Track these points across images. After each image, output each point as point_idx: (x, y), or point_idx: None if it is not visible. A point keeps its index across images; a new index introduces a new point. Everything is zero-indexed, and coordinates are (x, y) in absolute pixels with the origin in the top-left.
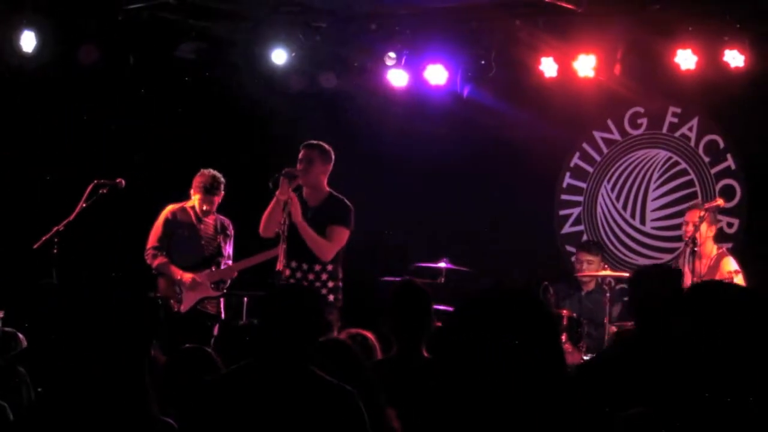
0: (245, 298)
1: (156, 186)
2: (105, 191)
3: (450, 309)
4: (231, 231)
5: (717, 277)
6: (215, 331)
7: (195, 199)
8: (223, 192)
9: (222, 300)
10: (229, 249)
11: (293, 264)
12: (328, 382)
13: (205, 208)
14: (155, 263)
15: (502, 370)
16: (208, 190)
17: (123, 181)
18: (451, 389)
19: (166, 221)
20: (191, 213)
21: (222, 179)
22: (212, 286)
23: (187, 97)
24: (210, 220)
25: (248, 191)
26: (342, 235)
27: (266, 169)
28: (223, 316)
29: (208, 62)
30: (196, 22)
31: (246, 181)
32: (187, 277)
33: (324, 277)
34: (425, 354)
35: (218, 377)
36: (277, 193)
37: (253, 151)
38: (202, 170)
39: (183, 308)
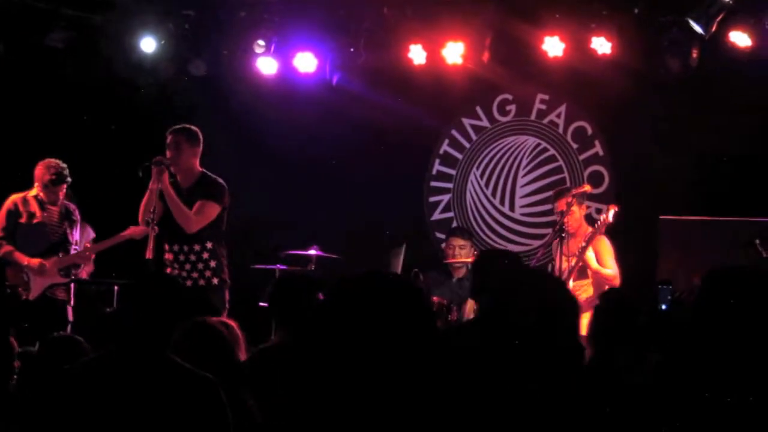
0: (116, 287)
1: (24, 175)
2: None
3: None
4: (77, 216)
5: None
6: (69, 317)
7: (37, 190)
8: (68, 181)
9: (72, 286)
10: (76, 235)
11: (175, 247)
12: (187, 369)
13: (50, 199)
14: (0, 253)
15: (376, 354)
16: (54, 182)
17: None
18: (324, 373)
19: (9, 211)
20: (34, 202)
21: (65, 168)
22: (60, 272)
23: (56, 86)
24: (54, 207)
25: (116, 178)
26: (210, 209)
27: (134, 156)
28: (72, 302)
29: (78, 50)
30: (66, 10)
31: (114, 168)
32: (35, 262)
33: (205, 255)
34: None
35: (76, 365)
36: (150, 183)
37: (122, 138)
38: (44, 161)
39: (32, 296)
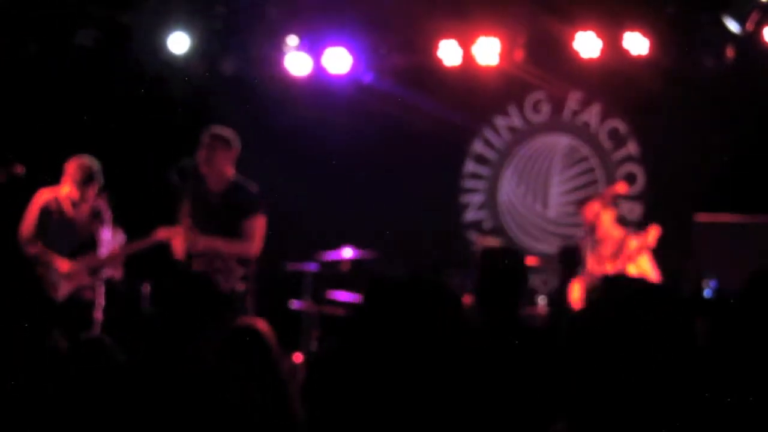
0: (146, 285)
1: (55, 175)
2: (2, 179)
3: (356, 297)
4: (106, 216)
5: (621, 258)
6: (98, 318)
7: (69, 188)
8: (99, 180)
9: (101, 286)
10: (105, 235)
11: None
12: (218, 369)
13: (80, 198)
14: (32, 251)
15: (414, 355)
16: (85, 181)
17: (22, 169)
18: (364, 374)
19: (41, 209)
20: (64, 200)
21: (97, 168)
22: (89, 272)
23: (86, 84)
24: (85, 206)
25: (148, 179)
26: (261, 224)
27: (166, 156)
28: (101, 302)
29: (108, 49)
30: (96, 8)
31: (146, 169)
32: (65, 266)
33: (231, 264)
34: None
35: (114, 367)
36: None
37: (153, 138)
38: (77, 158)
39: (60, 296)
